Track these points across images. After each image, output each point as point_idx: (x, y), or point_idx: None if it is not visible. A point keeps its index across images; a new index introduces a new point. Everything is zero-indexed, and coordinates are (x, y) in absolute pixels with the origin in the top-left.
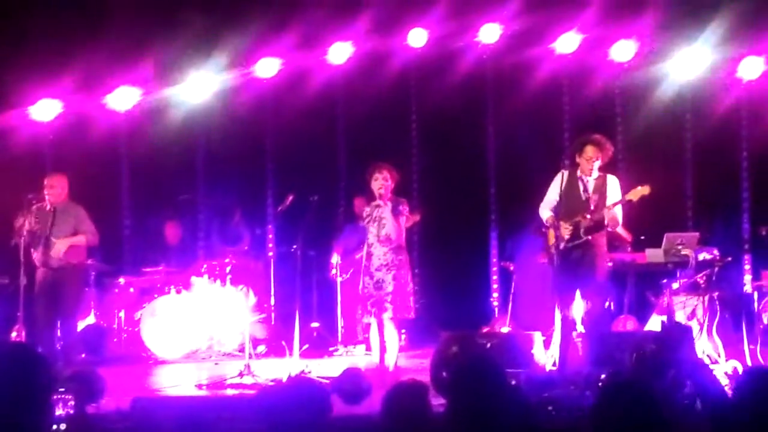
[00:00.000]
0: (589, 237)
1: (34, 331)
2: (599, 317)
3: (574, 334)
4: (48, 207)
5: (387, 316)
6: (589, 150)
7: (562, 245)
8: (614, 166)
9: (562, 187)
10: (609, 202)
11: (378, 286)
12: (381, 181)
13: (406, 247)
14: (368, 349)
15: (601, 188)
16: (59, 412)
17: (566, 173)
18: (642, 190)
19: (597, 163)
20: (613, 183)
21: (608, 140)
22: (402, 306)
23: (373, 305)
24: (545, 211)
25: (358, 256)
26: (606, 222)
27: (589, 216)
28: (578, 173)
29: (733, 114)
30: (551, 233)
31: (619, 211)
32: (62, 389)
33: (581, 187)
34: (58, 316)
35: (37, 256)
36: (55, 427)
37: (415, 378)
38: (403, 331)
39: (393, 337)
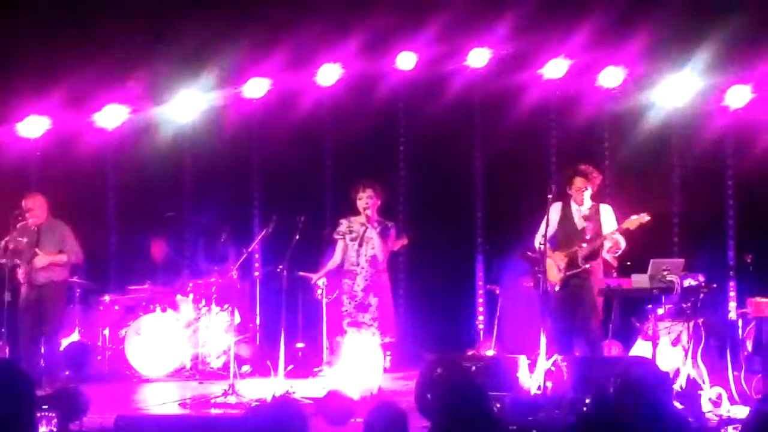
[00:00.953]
0: (588, 265)
1: (17, 348)
2: (599, 340)
3: (559, 358)
4: (32, 227)
5: (375, 341)
6: (578, 181)
7: (560, 275)
8: (602, 192)
9: (554, 218)
10: (606, 229)
11: (362, 307)
12: (366, 200)
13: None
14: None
15: (595, 216)
16: (43, 429)
17: (559, 204)
18: (639, 218)
19: (588, 193)
20: (606, 211)
21: (594, 169)
22: (386, 328)
23: (351, 325)
24: (540, 241)
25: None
26: (606, 249)
27: (585, 245)
28: (571, 204)
29: (719, 141)
30: (549, 264)
31: (620, 237)
32: (45, 406)
33: (575, 217)
34: (41, 333)
35: (21, 273)
36: None
37: (393, 401)
38: (388, 352)
39: (377, 360)
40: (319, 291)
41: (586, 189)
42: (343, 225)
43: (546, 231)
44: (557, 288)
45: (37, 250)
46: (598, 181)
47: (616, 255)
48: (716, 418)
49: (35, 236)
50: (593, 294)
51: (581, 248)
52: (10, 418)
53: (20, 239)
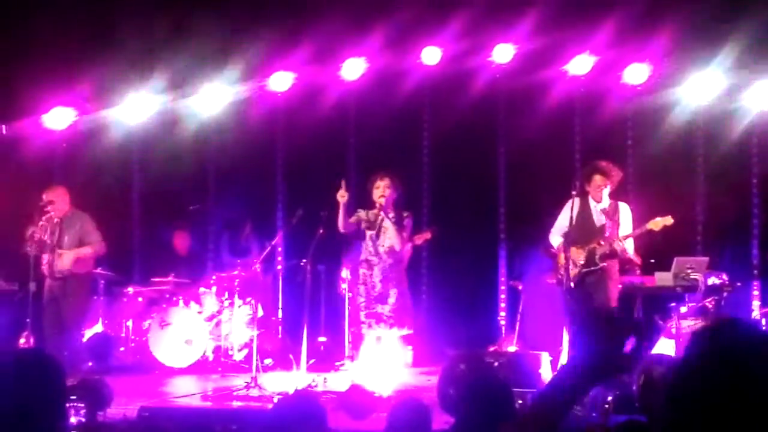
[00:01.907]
0: (605, 264)
1: (42, 339)
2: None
3: None
4: (55, 219)
5: (393, 333)
6: (597, 179)
7: (576, 270)
8: (625, 189)
9: (574, 214)
10: (622, 230)
11: (380, 299)
12: (383, 189)
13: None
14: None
15: (613, 216)
16: (72, 420)
17: (578, 200)
18: (664, 221)
19: (606, 190)
20: (625, 211)
21: (615, 166)
22: (404, 321)
23: (369, 316)
24: (556, 237)
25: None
26: (618, 250)
27: (603, 243)
28: (589, 200)
29: (744, 139)
30: (562, 257)
31: (629, 245)
32: (74, 396)
33: (594, 215)
34: (63, 325)
35: (44, 265)
36: None
37: (417, 396)
38: (410, 347)
39: (398, 354)
40: (343, 285)
41: (606, 186)
42: (362, 212)
43: (568, 225)
44: (572, 284)
45: (59, 250)
46: (617, 179)
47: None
48: None
49: (58, 228)
50: (608, 293)
51: (600, 246)
52: (42, 407)
53: (44, 231)
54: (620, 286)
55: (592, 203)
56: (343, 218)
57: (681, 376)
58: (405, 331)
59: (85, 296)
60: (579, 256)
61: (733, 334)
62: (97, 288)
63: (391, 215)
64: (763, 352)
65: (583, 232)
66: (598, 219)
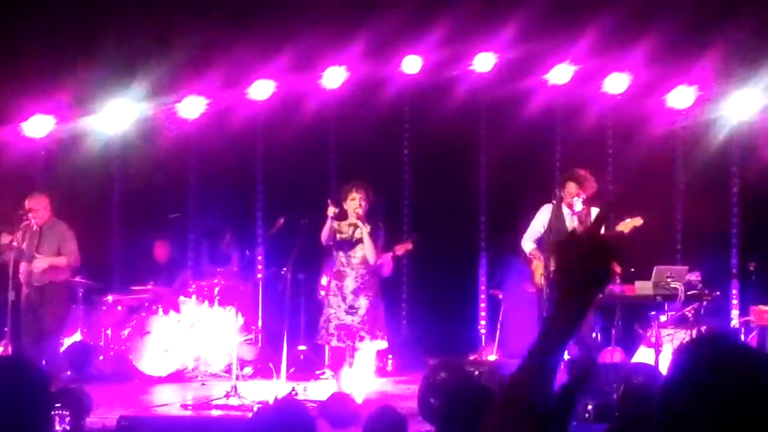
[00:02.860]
0: None
1: (21, 347)
2: (593, 347)
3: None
4: (34, 227)
5: (363, 345)
6: (571, 186)
7: (550, 275)
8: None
9: (549, 220)
10: None
11: (351, 311)
12: (359, 201)
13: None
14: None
15: (585, 220)
16: (57, 427)
17: (552, 206)
18: (633, 222)
19: (579, 199)
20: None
21: (591, 178)
22: (375, 332)
23: (338, 328)
24: (528, 243)
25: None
26: None
27: None
28: (562, 206)
29: (724, 148)
30: (537, 264)
31: None
32: (59, 404)
33: (567, 220)
34: (41, 333)
35: (22, 273)
36: None
37: (392, 406)
38: (390, 356)
39: (369, 365)
40: (322, 293)
41: (579, 195)
42: (335, 223)
43: (540, 231)
44: (547, 291)
45: (35, 253)
46: (592, 189)
47: None
48: None
49: (37, 236)
50: None
51: None
52: (27, 415)
53: (22, 238)
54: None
55: (565, 210)
56: (329, 232)
57: (668, 393)
58: (379, 343)
59: (63, 304)
60: (552, 261)
61: (715, 348)
62: (76, 296)
63: (368, 227)
64: (748, 363)
65: (556, 237)
66: (571, 224)
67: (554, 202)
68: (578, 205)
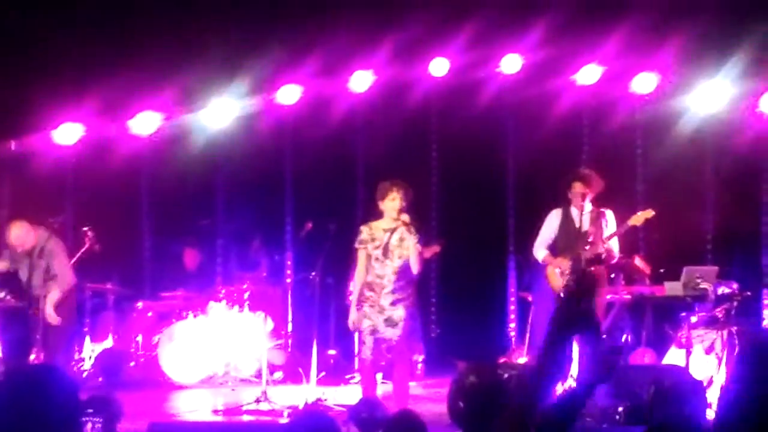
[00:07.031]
0: (591, 269)
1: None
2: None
3: None
4: (23, 254)
5: (403, 358)
6: (577, 186)
7: (563, 280)
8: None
9: (559, 224)
10: (606, 232)
11: (389, 323)
12: (400, 201)
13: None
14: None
15: (596, 221)
16: None
17: (560, 210)
18: (645, 214)
19: (587, 198)
20: (609, 216)
21: (596, 175)
22: (413, 344)
23: (378, 342)
24: (540, 251)
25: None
26: (603, 255)
27: (587, 248)
28: (571, 208)
29: (754, 148)
30: (551, 271)
31: (614, 244)
32: (90, 410)
33: (576, 221)
34: (49, 345)
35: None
36: None
37: (413, 411)
38: (421, 358)
39: (405, 378)
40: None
41: (586, 194)
42: (364, 233)
43: (551, 236)
44: (561, 294)
45: (34, 284)
46: (599, 188)
47: (611, 263)
48: None
49: (27, 260)
50: (594, 300)
51: (584, 251)
52: (57, 421)
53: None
54: (609, 296)
55: (573, 211)
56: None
57: (736, 402)
58: (416, 357)
59: (69, 320)
60: (565, 264)
61: None
62: (107, 303)
63: (415, 238)
64: None
65: (567, 240)
66: (581, 225)
67: (582, 203)
68: (587, 204)
